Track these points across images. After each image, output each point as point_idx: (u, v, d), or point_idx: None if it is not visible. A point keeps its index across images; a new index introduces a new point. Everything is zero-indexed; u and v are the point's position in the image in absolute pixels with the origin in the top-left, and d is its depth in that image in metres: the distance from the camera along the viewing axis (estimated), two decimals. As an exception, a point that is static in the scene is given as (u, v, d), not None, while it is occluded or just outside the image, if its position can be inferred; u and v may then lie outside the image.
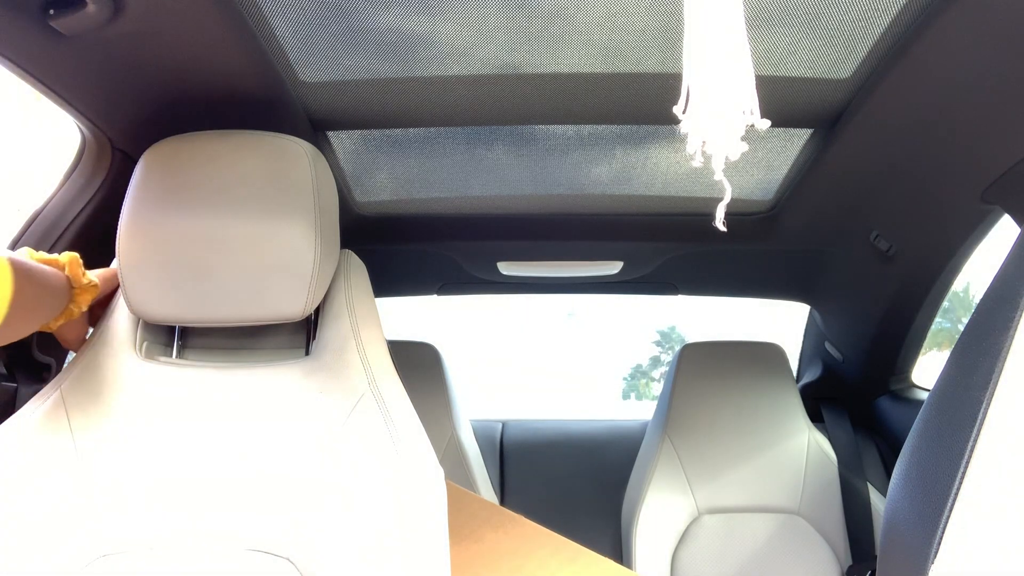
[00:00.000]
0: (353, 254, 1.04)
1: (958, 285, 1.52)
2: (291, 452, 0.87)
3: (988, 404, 0.54)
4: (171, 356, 0.98)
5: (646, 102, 1.12)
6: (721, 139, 0.50)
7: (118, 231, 0.89)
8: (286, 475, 0.86)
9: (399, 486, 0.84)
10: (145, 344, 0.94)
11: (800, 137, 1.26)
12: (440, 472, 0.86)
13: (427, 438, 0.89)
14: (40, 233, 1.08)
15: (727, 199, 0.54)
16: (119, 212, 0.89)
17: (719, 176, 0.50)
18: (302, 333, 1.01)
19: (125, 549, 0.84)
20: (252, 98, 1.02)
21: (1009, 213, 1.19)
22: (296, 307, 0.89)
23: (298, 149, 0.92)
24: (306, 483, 0.86)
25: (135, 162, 0.92)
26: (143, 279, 0.88)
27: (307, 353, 0.98)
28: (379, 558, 0.81)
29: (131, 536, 0.84)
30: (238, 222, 0.88)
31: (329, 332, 0.95)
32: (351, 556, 0.82)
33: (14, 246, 1.08)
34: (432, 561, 0.81)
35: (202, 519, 0.85)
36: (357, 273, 1.01)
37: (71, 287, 0.90)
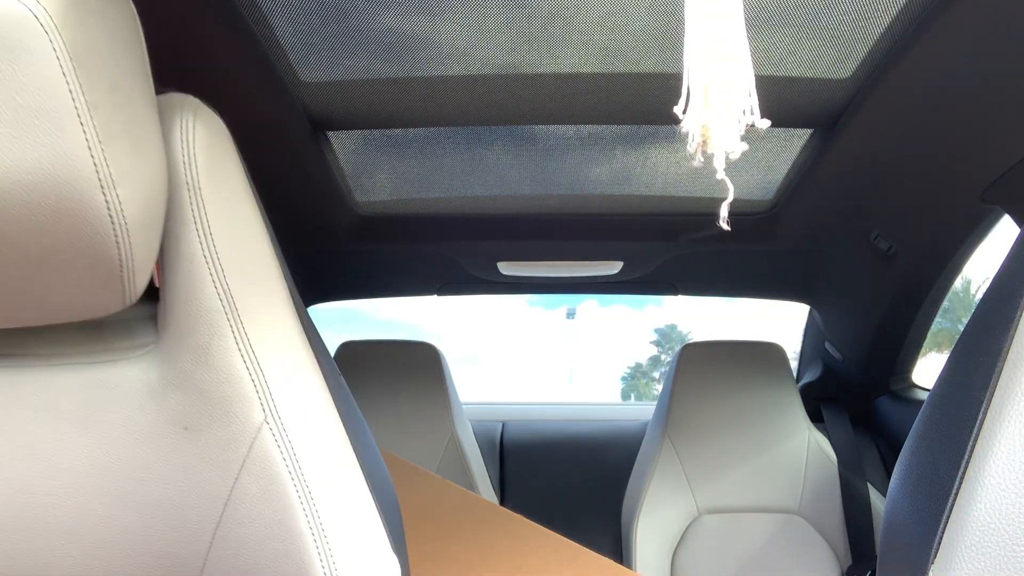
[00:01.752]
0: (202, 114, 0.57)
1: (958, 285, 1.52)
2: (134, 548, 0.54)
3: (988, 404, 0.54)
4: None
5: (646, 102, 1.12)
6: (721, 139, 0.50)
7: None
8: None
9: None
10: None
11: (800, 137, 1.26)
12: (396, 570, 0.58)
13: (380, 511, 0.58)
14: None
15: (730, 198, 0.54)
16: None
17: (721, 175, 0.50)
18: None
19: None
20: (252, 98, 1.02)
21: (1009, 213, 1.19)
22: (103, 296, 0.50)
23: (19, 17, 0.41)
24: None
25: None
26: None
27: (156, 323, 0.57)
28: None
29: None
30: None
31: (178, 296, 0.54)
32: None
33: None
34: None
35: None
36: (211, 162, 0.55)
37: None
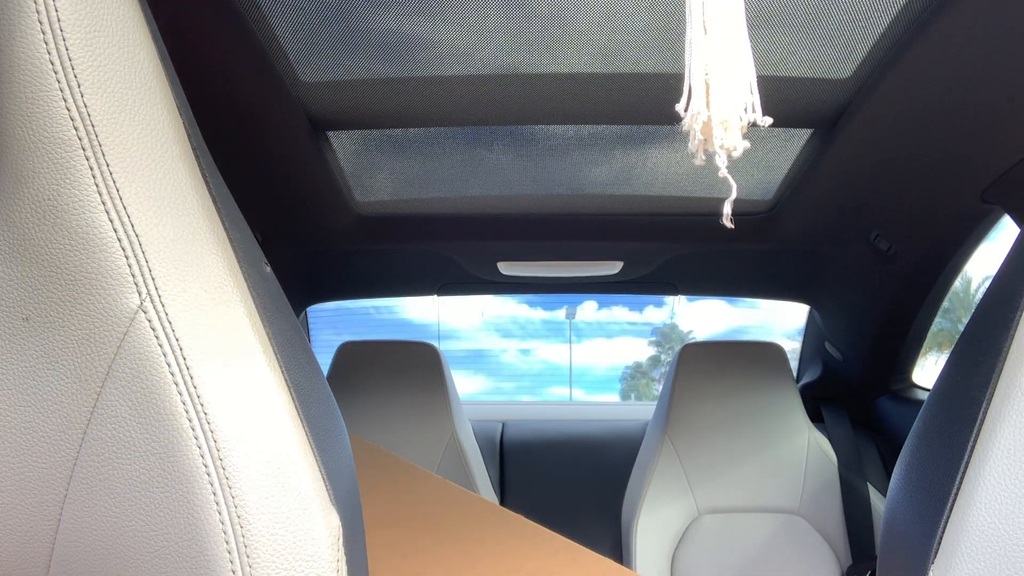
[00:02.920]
0: None
1: (958, 285, 1.52)
2: None
3: (988, 404, 0.54)
4: None
5: (645, 102, 1.12)
6: (723, 137, 0.50)
7: None
8: None
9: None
10: None
11: (800, 137, 1.26)
12: (336, 522, 0.42)
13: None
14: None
15: (733, 195, 0.54)
16: None
17: (723, 174, 0.50)
18: None
19: None
20: (252, 98, 1.02)
21: (1009, 213, 1.19)
22: None
23: None
24: None
25: None
26: None
27: None
28: None
29: None
30: None
31: (10, 121, 0.37)
32: None
33: None
34: None
35: None
36: None
37: None
